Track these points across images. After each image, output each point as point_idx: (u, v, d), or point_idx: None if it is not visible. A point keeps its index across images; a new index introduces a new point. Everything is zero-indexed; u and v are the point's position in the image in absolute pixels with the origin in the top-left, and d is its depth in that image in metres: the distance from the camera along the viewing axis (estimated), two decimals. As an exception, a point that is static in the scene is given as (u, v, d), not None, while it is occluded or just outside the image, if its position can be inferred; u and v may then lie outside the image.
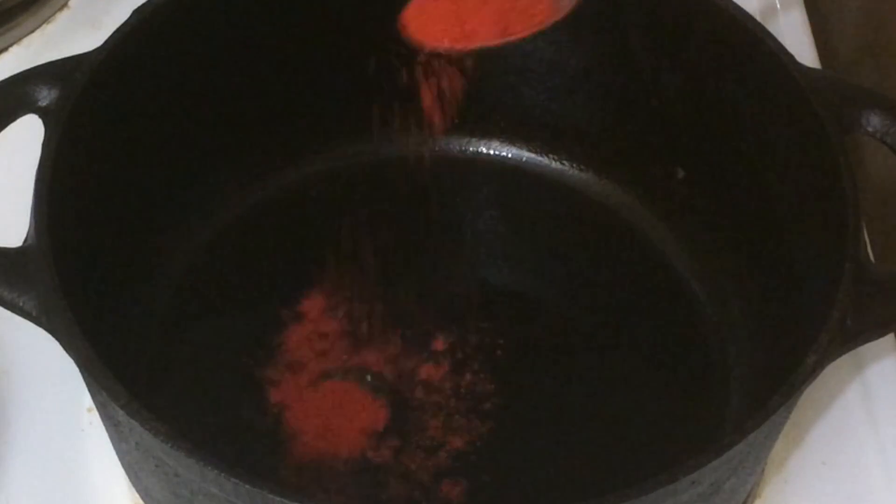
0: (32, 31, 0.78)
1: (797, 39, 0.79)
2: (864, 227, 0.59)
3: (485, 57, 0.70)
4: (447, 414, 0.63)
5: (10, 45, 0.78)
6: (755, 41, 0.61)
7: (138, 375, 0.62)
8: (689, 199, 0.69)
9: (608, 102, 0.70)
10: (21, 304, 0.53)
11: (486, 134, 0.73)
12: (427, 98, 0.63)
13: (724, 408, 0.64)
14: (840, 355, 0.53)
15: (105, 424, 0.58)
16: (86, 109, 0.58)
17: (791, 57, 0.61)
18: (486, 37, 0.55)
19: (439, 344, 0.65)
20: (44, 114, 0.57)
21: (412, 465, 0.61)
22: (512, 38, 0.55)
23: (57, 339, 0.52)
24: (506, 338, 0.66)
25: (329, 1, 0.68)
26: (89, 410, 0.63)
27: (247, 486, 0.47)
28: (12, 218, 0.57)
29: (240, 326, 0.66)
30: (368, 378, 0.64)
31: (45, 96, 0.58)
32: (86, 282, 0.56)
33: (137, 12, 0.61)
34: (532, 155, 0.73)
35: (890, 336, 0.66)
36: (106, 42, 0.60)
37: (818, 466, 0.64)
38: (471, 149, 0.73)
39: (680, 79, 0.66)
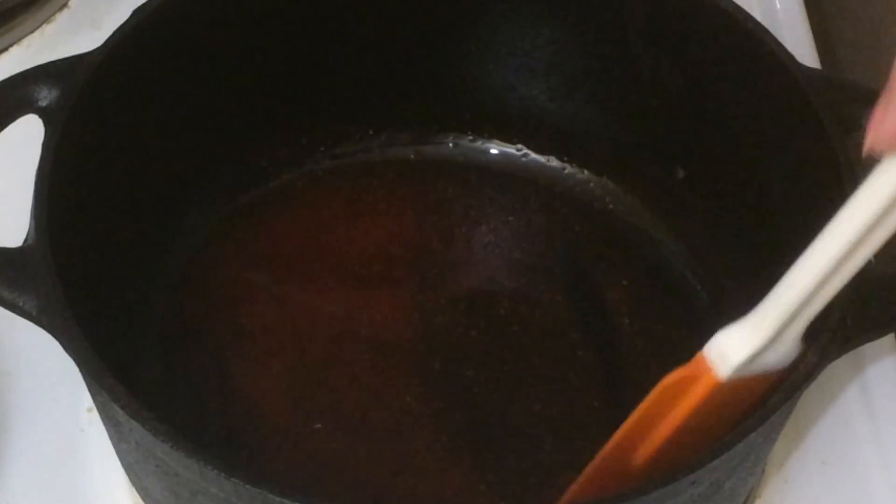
0: (32, 31, 0.78)
1: (797, 39, 0.79)
2: (864, 227, 0.59)
3: (485, 56, 0.70)
4: (449, 410, 0.63)
5: (10, 45, 0.78)
6: (755, 41, 0.61)
7: (138, 375, 0.62)
8: (689, 199, 0.69)
9: (608, 102, 0.70)
10: (21, 304, 0.53)
11: (487, 134, 0.73)
12: None
13: (724, 408, 0.64)
14: (840, 355, 0.53)
15: (105, 424, 0.58)
16: (86, 109, 0.58)
17: (791, 57, 0.61)
18: None
19: (437, 341, 0.65)
20: (44, 114, 0.57)
21: (418, 463, 0.61)
22: None
23: (57, 339, 0.52)
24: (503, 337, 0.66)
25: (329, 1, 0.68)
26: (89, 410, 0.63)
27: (247, 487, 0.47)
28: (12, 218, 0.57)
29: (241, 326, 0.66)
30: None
31: (45, 96, 0.58)
32: (86, 282, 0.56)
33: (137, 12, 0.61)
34: (532, 155, 0.73)
35: (890, 336, 0.66)
36: (106, 42, 0.60)
37: (818, 466, 0.64)
38: (471, 149, 0.73)
39: (680, 79, 0.66)
